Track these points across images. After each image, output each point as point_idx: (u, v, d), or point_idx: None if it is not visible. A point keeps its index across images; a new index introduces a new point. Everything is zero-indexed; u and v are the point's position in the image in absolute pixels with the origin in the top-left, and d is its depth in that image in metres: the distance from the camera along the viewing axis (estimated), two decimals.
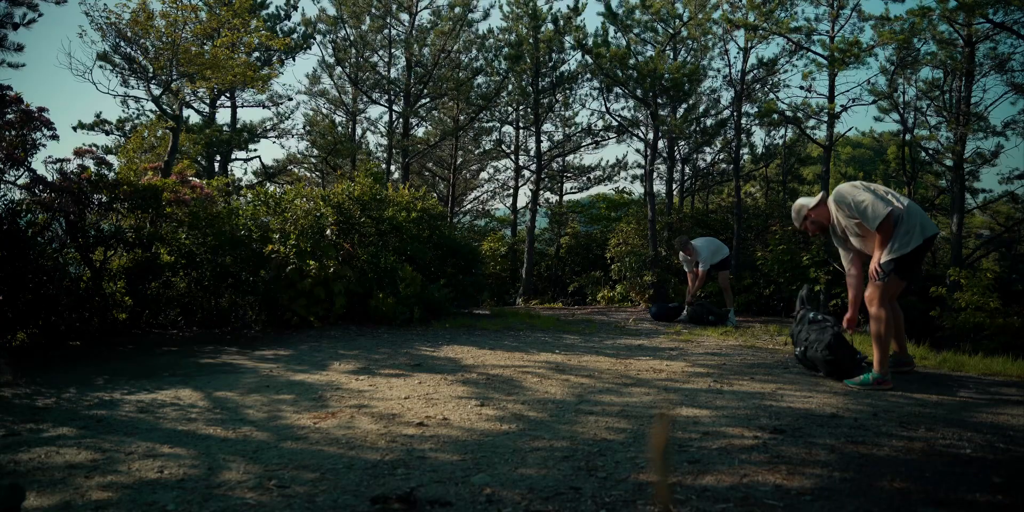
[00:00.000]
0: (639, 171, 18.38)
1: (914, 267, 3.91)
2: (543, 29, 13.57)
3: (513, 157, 17.94)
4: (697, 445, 2.62)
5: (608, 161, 51.83)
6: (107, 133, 16.18)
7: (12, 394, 3.65)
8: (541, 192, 16.78)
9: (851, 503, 2.02)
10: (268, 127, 17.72)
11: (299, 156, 19.94)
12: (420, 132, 19.54)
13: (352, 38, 15.66)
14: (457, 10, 14.79)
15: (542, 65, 14.08)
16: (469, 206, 22.82)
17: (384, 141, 18.58)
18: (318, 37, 16.01)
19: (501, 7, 15.68)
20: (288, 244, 6.54)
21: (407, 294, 6.96)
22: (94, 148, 8.69)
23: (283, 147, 76.17)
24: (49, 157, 6.12)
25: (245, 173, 28.16)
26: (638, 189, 19.46)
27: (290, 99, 21.41)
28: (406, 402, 3.42)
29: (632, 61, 10.92)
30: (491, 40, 15.38)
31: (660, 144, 13.05)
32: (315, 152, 19.05)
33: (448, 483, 2.22)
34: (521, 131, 17.81)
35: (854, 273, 4.14)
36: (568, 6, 13.36)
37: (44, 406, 3.39)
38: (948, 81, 11.98)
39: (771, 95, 12.64)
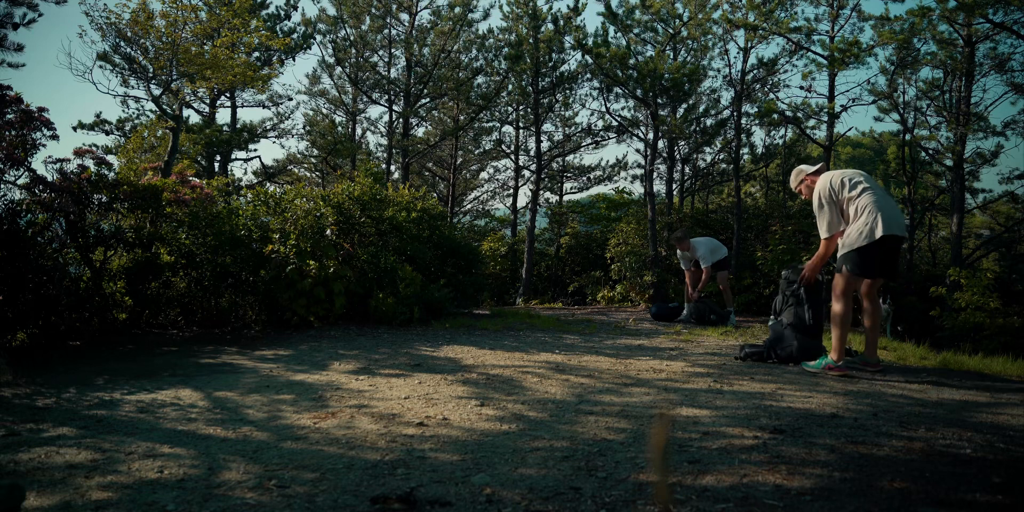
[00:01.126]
0: (639, 171, 18.43)
1: (873, 264, 4.09)
2: (543, 29, 13.57)
3: (513, 157, 17.95)
4: (697, 445, 2.62)
5: (608, 161, 51.84)
6: (107, 133, 16.20)
7: (12, 394, 3.65)
8: (541, 192, 16.80)
9: (851, 503, 2.02)
10: (268, 127, 17.74)
11: (299, 156, 19.97)
12: (420, 132, 19.57)
13: (352, 38, 15.67)
14: (457, 10, 14.80)
15: (542, 65, 14.07)
16: (469, 206, 22.84)
17: (384, 141, 18.60)
18: (318, 37, 16.03)
19: (501, 7, 15.71)
20: (288, 244, 6.54)
21: (407, 294, 6.96)
22: (94, 148, 8.70)
23: (283, 147, 76.69)
24: (49, 157, 6.13)
25: (245, 173, 28.25)
26: (638, 189, 19.49)
27: (290, 99, 21.46)
28: (406, 402, 3.42)
29: (632, 61, 10.92)
30: (491, 40, 15.40)
31: (660, 144, 13.05)
32: (315, 152, 19.08)
33: (448, 483, 2.22)
34: (521, 131, 17.83)
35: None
36: (568, 6, 13.37)
37: (44, 406, 3.39)
38: (948, 81, 12.00)
39: (771, 95, 12.64)
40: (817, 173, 4.54)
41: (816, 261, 4.46)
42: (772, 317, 4.83)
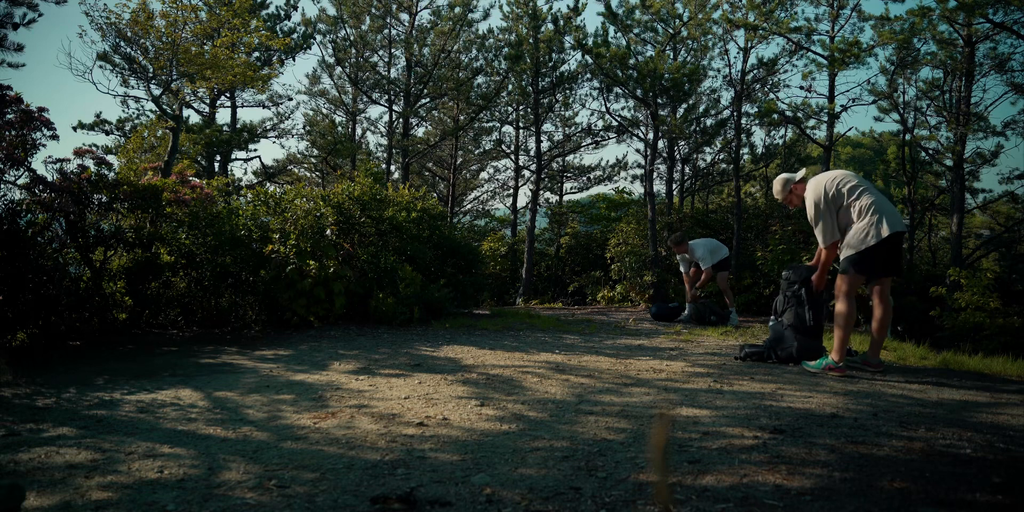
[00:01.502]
0: (639, 171, 18.43)
1: (876, 264, 4.11)
2: (543, 29, 13.57)
3: (513, 157, 17.95)
4: (697, 445, 2.62)
5: (608, 161, 51.83)
6: (107, 133, 16.20)
7: (12, 394, 3.65)
8: (541, 192, 16.80)
9: (851, 503, 2.02)
10: (268, 127, 17.74)
11: (299, 156, 19.98)
12: (420, 132, 19.57)
13: (352, 38, 15.67)
14: (457, 10, 14.80)
15: (542, 65, 14.08)
16: (469, 206, 22.85)
17: (384, 141, 18.61)
18: (318, 37, 16.04)
19: (501, 7, 15.71)
20: (288, 244, 6.54)
21: (407, 294, 6.96)
22: (94, 148, 8.70)
23: (283, 147, 76.81)
24: (49, 157, 6.12)
25: (245, 173, 28.29)
26: (638, 189, 19.49)
27: (290, 99, 21.46)
28: (406, 402, 3.42)
29: (632, 61, 10.92)
30: (491, 40, 15.40)
31: (660, 144, 13.05)
32: (315, 152, 19.08)
33: (448, 483, 2.22)
34: (521, 131, 17.83)
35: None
36: (568, 6, 13.37)
37: (44, 406, 3.39)
38: (948, 81, 12.00)
39: (771, 95, 12.64)
40: (803, 180, 4.52)
41: (820, 270, 4.47)
42: (773, 317, 4.82)
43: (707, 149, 15.53)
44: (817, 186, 4.25)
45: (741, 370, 4.36)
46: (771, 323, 4.83)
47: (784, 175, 4.65)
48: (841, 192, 4.16)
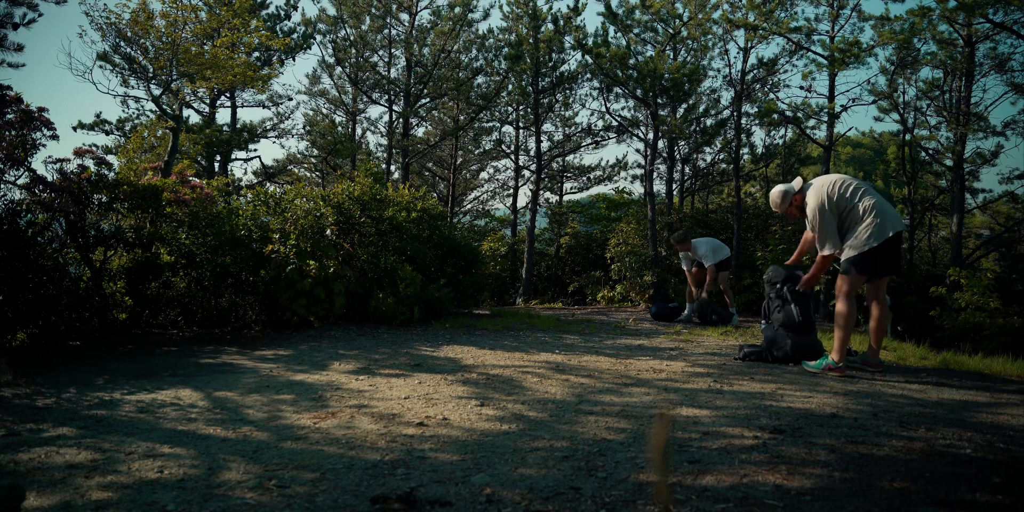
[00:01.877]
0: (639, 171, 18.43)
1: (876, 264, 4.13)
2: (543, 29, 13.57)
3: (513, 157, 17.94)
4: (697, 445, 2.62)
5: (608, 161, 51.84)
6: (107, 133, 16.19)
7: (12, 394, 3.65)
8: (541, 192, 16.79)
9: (851, 503, 2.02)
10: (268, 127, 17.73)
11: (299, 156, 19.97)
12: (420, 132, 19.56)
13: (352, 38, 15.67)
14: (457, 10, 14.79)
15: (542, 65, 14.07)
16: (469, 206, 22.84)
17: (384, 141, 18.61)
18: (318, 37, 16.03)
19: (501, 7, 15.70)
20: (288, 244, 6.54)
21: (407, 294, 6.96)
22: (94, 148, 8.69)
23: (283, 147, 76.91)
24: (49, 157, 6.12)
25: (245, 173, 28.30)
26: (638, 189, 19.48)
27: (290, 99, 21.43)
28: (406, 402, 3.42)
29: (632, 61, 10.92)
30: (491, 40, 15.40)
31: (660, 144, 13.04)
32: (315, 152, 19.08)
33: (448, 483, 2.22)
34: (521, 131, 17.82)
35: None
36: (568, 6, 13.37)
37: (44, 406, 3.39)
38: (948, 81, 12.00)
39: (771, 95, 12.63)
40: (802, 189, 4.50)
41: (814, 273, 4.45)
42: (763, 321, 4.82)
43: (707, 149, 15.54)
44: (819, 192, 4.22)
45: (741, 370, 4.36)
46: (762, 327, 4.83)
47: (781, 187, 4.57)
48: (844, 196, 4.17)
